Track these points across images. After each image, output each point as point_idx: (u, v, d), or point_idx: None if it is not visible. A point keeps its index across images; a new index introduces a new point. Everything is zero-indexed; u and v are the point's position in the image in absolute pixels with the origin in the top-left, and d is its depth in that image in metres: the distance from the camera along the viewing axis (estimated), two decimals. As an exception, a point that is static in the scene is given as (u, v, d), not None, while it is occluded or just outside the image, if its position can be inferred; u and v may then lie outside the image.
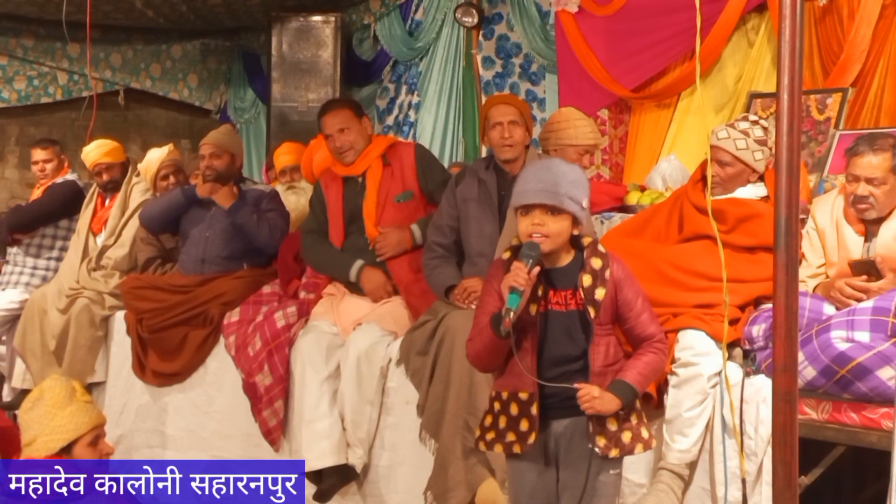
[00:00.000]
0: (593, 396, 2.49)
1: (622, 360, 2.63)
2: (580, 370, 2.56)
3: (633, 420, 2.61)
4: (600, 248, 2.59)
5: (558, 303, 2.58)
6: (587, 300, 2.53)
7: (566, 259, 2.59)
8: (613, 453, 2.56)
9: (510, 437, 2.60)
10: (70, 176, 5.49)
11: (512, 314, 2.45)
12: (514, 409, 2.60)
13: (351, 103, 4.36)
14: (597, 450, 2.54)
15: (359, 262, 4.01)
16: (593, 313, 2.53)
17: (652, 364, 2.61)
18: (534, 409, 2.56)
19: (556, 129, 4.24)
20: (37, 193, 5.57)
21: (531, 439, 2.57)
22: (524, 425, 2.58)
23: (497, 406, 2.64)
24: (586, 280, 2.54)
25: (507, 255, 2.61)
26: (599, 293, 2.53)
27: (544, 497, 2.63)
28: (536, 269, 2.48)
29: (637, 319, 2.60)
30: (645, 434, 2.63)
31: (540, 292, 2.56)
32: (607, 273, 2.55)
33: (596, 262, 2.56)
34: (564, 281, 2.58)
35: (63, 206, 5.34)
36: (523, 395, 2.58)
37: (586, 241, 2.60)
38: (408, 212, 4.07)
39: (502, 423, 2.62)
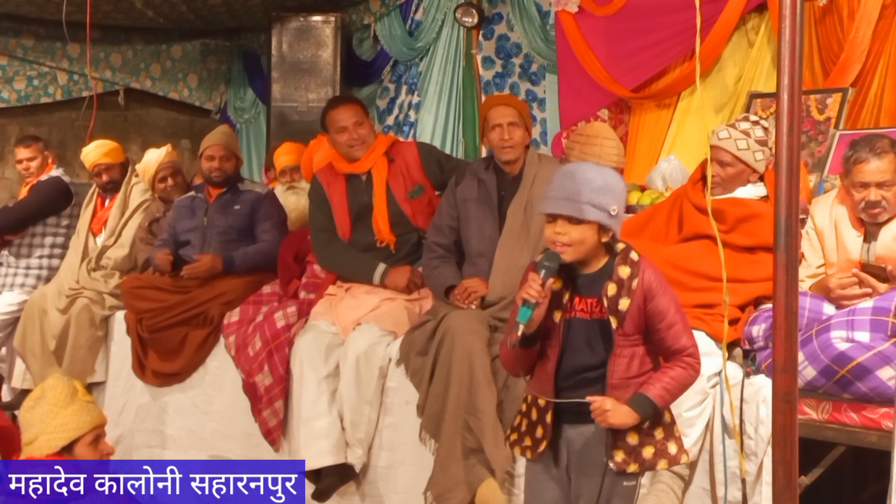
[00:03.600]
0: (605, 409, 2.42)
1: (649, 372, 2.52)
2: (597, 380, 2.49)
3: (658, 435, 2.51)
4: (633, 255, 2.49)
5: (583, 310, 2.51)
6: (610, 310, 2.46)
7: (596, 266, 2.51)
8: (632, 468, 2.48)
9: (527, 441, 2.59)
10: (55, 172, 5.41)
11: (522, 327, 2.39)
12: (534, 414, 2.58)
13: (360, 100, 4.39)
14: (611, 465, 2.47)
15: (382, 267, 4.01)
16: (615, 324, 2.45)
17: (679, 379, 2.48)
18: (548, 417, 2.53)
19: (583, 142, 4.18)
20: (24, 192, 5.50)
21: (542, 447, 2.55)
22: (539, 431, 2.56)
23: (524, 408, 2.63)
24: (611, 289, 2.46)
25: (539, 258, 2.52)
26: (623, 303, 2.45)
27: (556, 501, 2.60)
28: (551, 282, 2.43)
29: (668, 331, 2.48)
30: (672, 449, 2.53)
31: (566, 299, 2.50)
32: (635, 283, 2.45)
33: (623, 271, 2.47)
34: (591, 288, 2.50)
35: (49, 203, 5.30)
36: (542, 402, 2.55)
37: (619, 247, 2.51)
38: (421, 206, 4.09)
39: (524, 426, 2.61)
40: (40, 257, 5.29)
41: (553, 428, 2.54)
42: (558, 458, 2.58)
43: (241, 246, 4.65)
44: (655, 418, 2.50)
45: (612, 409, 2.42)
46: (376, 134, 4.19)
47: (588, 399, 2.44)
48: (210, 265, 4.54)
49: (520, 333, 2.41)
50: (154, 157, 5.10)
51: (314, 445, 3.80)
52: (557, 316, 2.50)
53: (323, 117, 4.13)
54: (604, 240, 2.47)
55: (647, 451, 2.50)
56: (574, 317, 2.51)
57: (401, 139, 5.13)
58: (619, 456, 2.48)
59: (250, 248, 4.60)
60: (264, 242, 4.63)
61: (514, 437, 2.65)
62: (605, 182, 2.46)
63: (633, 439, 2.49)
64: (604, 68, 5.35)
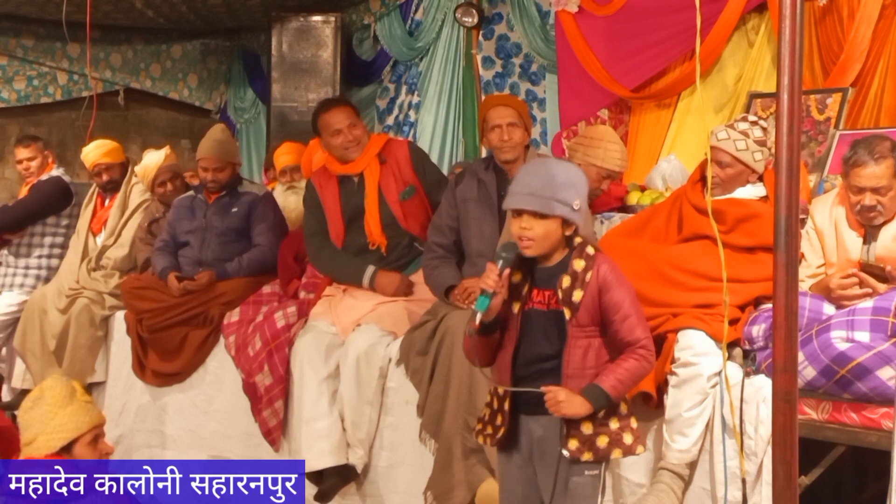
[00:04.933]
0: (558, 400, 2.48)
1: (606, 363, 2.57)
2: (553, 370, 2.55)
3: (613, 425, 2.56)
4: (588, 249, 2.56)
5: (540, 302, 2.58)
6: (563, 301, 2.53)
7: (556, 259, 2.58)
8: (586, 457, 2.54)
9: (489, 429, 2.68)
10: (55, 172, 5.39)
11: (479, 316, 2.48)
12: (495, 404, 2.66)
13: (350, 102, 4.38)
14: (565, 453, 2.52)
15: (371, 269, 4.01)
16: (568, 315, 2.52)
17: (632, 370, 2.53)
18: (506, 406, 2.61)
19: (587, 144, 4.16)
20: (24, 192, 5.48)
21: (500, 434, 2.62)
22: (498, 419, 2.64)
23: (489, 398, 2.71)
24: (565, 281, 2.54)
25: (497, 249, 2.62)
26: (577, 295, 2.52)
27: (524, 490, 2.66)
28: (508, 272, 2.51)
29: (622, 323, 2.53)
30: (628, 440, 2.58)
31: (525, 290, 2.57)
32: (588, 275, 2.52)
33: (578, 264, 2.54)
34: (549, 281, 2.57)
35: (49, 203, 5.29)
36: (500, 391, 2.63)
37: (577, 240, 2.58)
38: (412, 208, 4.09)
39: (487, 415, 2.69)
40: (39, 257, 5.28)
41: (511, 417, 2.61)
42: (520, 448, 2.64)
43: (240, 248, 4.65)
44: (610, 409, 2.56)
45: (565, 400, 2.49)
46: (370, 134, 4.19)
47: (542, 389, 2.50)
48: (207, 284, 4.56)
49: (477, 322, 2.49)
50: (153, 162, 5.08)
51: (315, 446, 3.80)
52: (516, 307, 2.57)
53: (314, 121, 4.10)
54: (567, 234, 2.54)
55: (602, 441, 2.55)
56: (532, 308, 2.59)
57: (398, 138, 5.13)
58: (573, 444, 2.54)
59: (244, 258, 4.61)
60: (258, 248, 4.64)
61: (479, 426, 2.72)
62: (569, 177, 2.55)
63: (587, 429, 2.54)
64: (604, 68, 5.35)
